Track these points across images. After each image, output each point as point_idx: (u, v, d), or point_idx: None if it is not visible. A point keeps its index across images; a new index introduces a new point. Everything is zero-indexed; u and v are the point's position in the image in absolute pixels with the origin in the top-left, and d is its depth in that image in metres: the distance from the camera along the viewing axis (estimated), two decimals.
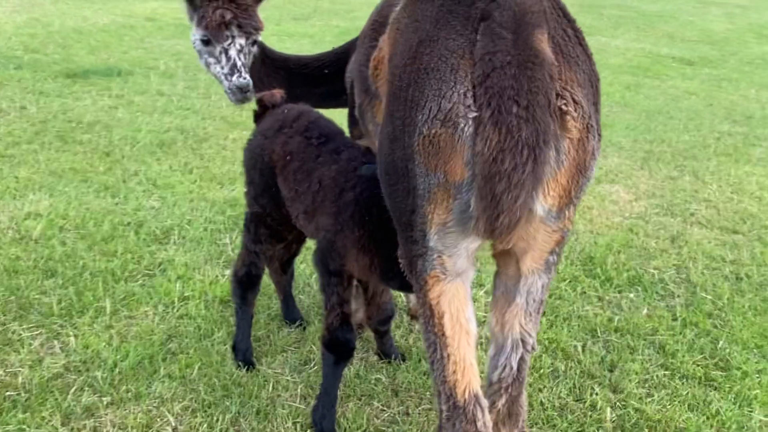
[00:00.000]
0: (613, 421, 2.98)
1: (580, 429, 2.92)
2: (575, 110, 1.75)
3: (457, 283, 1.99)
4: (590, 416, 2.99)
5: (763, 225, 5.15)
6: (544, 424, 2.94)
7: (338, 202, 2.56)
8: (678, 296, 4.07)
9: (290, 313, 3.50)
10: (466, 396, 2.00)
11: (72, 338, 3.28)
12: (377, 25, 2.46)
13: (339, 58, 3.44)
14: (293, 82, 3.50)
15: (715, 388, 3.25)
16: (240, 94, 3.26)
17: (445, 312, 1.98)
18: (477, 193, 1.71)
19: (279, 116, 2.93)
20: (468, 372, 2.01)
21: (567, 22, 1.89)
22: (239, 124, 6.75)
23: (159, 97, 7.49)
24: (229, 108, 7.25)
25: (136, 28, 11.54)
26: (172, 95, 7.59)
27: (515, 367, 2.12)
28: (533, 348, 2.14)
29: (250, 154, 2.97)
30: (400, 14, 2.08)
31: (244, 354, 3.14)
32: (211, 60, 3.30)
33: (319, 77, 3.44)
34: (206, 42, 3.26)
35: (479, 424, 2.00)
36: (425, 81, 1.79)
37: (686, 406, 3.10)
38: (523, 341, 2.12)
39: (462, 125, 1.72)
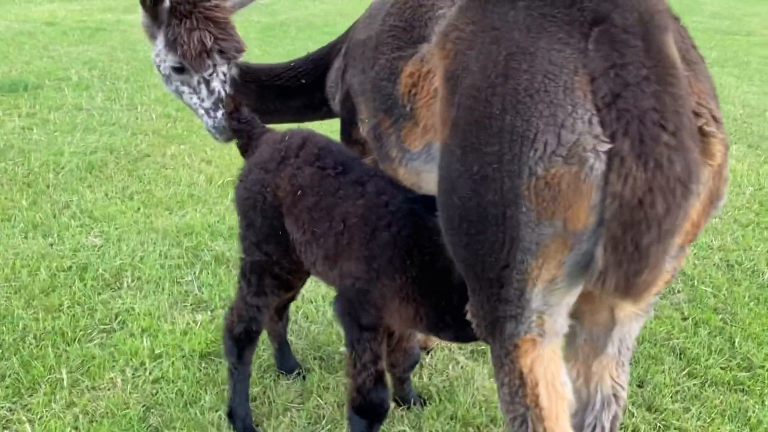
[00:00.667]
0: None
1: None
2: (717, 130, 1.44)
3: (553, 344, 1.65)
4: None
5: (735, 206, 5.13)
6: None
7: (371, 245, 2.16)
8: (678, 291, 3.93)
9: (286, 362, 3.06)
10: None
11: (27, 425, 2.70)
12: (400, 31, 2.06)
13: (317, 65, 3.01)
14: (266, 96, 3.04)
15: (746, 392, 3.11)
16: (228, 133, 2.79)
17: (540, 380, 1.64)
18: (609, 244, 1.37)
19: (280, 145, 2.46)
20: None
21: (675, 19, 1.57)
22: (176, 138, 6.13)
23: (77, 113, 6.71)
24: (161, 120, 6.61)
25: (36, 34, 10.46)
26: (92, 109, 6.82)
27: (608, 427, 1.82)
28: (625, 401, 1.84)
29: (247, 193, 2.47)
30: (458, 21, 1.69)
31: (243, 421, 2.68)
32: (185, 89, 2.80)
33: (295, 88, 3.00)
34: (180, 70, 2.75)
35: None
36: (530, 106, 1.43)
37: (725, 417, 2.93)
38: (615, 396, 1.82)
39: (591, 161, 1.37)
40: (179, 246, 4.20)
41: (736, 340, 3.45)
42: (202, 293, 3.68)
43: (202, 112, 2.84)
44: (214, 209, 4.76)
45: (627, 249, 1.34)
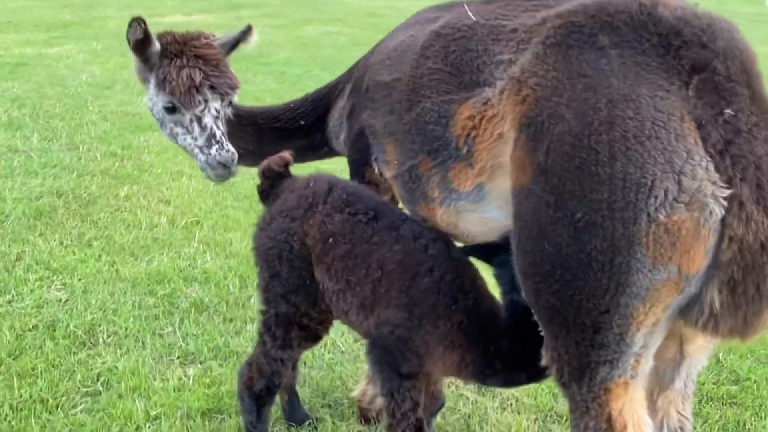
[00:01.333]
0: None
1: None
2: None
3: (641, 384, 1.66)
4: None
5: None
6: None
7: (412, 291, 2.11)
8: None
9: (296, 414, 2.93)
10: None
11: None
12: (446, 75, 2.04)
13: (316, 106, 2.95)
14: (264, 139, 2.95)
15: (739, 405, 3.24)
16: (222, 170, 2.67)
17: (628, 423, 1.64)
18: (726, 287, 1.39)
19: (305, 191, 2.38)
20: None
21: None
22: (127, 178, 5.84)
23: (13, 155, 6.26)
24: (108, 159, 6.29)
25: None
26: (30, 151, 6.39)
27: None
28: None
29: (272, 242, 2.37)
30: (535, 67, 1.71)
31: None
32: (179, 130, 2.68)
33: (294, 130, 2.93)
34: (172, 109, 2.63)
35: None
36: (642, 152, 1.45)
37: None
38: (682, 429, 1.83)
39: (711, 207, 1.41)
40: (153, 295, 3.97)
41: (720, 355, 3.61)
42: (188, 344, 3.49)
43: (196, 151, 2.72)
44: (182, 253, 4.55)
45: (747, 291, 1.37)
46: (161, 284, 4.09)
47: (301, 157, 3.10)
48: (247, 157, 2.90)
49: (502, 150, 1.84)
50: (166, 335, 3.59)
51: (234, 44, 2.94)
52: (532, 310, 1.77)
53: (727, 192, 1.42)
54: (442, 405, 2.72)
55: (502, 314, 2.10)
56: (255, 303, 3.95)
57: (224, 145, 2.64)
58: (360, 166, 2.58)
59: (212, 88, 2.63)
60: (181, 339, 3.54)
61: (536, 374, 2.08)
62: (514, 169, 1.73)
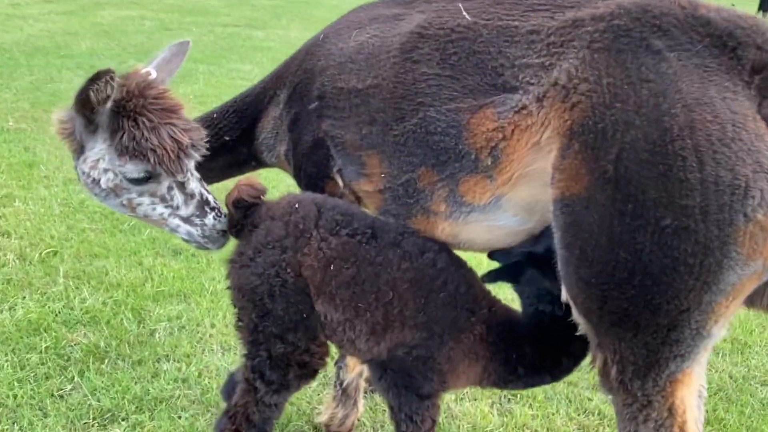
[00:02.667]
0: None
1: None
2: None
3: (700, 369, 1.76)
4: None
5: None
6: None
7: (428, 309, 2.01)
8: None
9: None
10: None
11: None
12: (447, 80, 1.91)
13: (241, 118, 2.65)
14: None
15: None
16: (223, 239, 2.32)
17: (687, 407, 1.72)
18: None
19: (291, 218, 2.12)
20: None
21: None
22: None
23: None
24: None
25: None
26: None
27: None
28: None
29: (260, 279, 2.08)
30: (585, 73, 1.67)
31: None
32: (144, 200, 2.21)
33: (218, 148, 2.59)
34: (143, 180, 2.17)
35: None
36: (730, 155, 1.50)
37: None
38: (700, 397, 1.97)
39: None
40: (33, 350, 3.35)
41: None
42: (100, 401, 3.01)
43: (176, 222, 2.28)
44: (49, 293, 3.88)
45: None
46: (38, 335, 3.46)
47: (225, 175, 2.80)
48: None
49: (534, 159, 1.80)
50: (69, 395, 3.06)
51: (170, 72, 2.46)
52: (589, 317, 1.77)
53: None
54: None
55: (519, 318, 2.09)
56: (162, 338, 3.53)
57: (220, 211, 2.28)
58: (318, 179, 2.38)
59: (194, 147, 2.18)
60: (89, 396, 3.04)
61: (560, 374, 2.12)
62: (563, 179, 1.70)
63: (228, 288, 2.22)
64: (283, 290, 2.08)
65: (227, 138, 2.62)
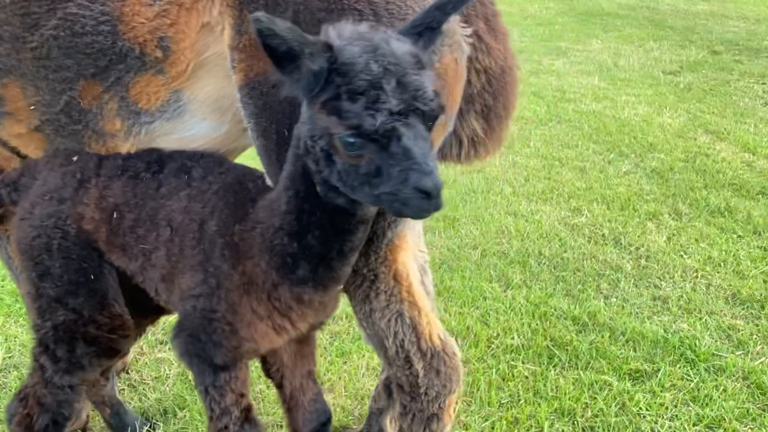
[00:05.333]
0: None
1: None
2: None
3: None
4: None
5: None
6: None
7: (202, 245, 1.70)
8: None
9: (126, 424, 2.49)
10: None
11: None
12: None
13: None
14: None
15: None
16: None
17: (410, 272, 1.75)
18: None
19: (70, 167, 1.83)
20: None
21: None
22: None
23: None
24: None
25: None
26: None
27: None
28: None
29: (37, 231, 1.79)
30: None
31: None
32: None
33: None
34: None
35: None
36: None
37: None
38: (424, 265, 2.06)
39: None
40: None
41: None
42: None
43: None
44: None
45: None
46: None
47: None
48: None
49: (207, 44, 1.59)
50: None
51: None
52: None
53: (470, 30, 1.56)
54: (327, 419, 2.15)
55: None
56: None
57: None
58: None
59: None
60: None
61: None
62: (243, 59, 1.52)
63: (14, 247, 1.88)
64: (63, 244, 1.79)
65: None
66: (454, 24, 1.57)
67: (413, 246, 1.85)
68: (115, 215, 1.79)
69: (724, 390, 2.87)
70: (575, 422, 2.70)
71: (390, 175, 1.30)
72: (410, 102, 1.29)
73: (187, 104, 1.71)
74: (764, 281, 3.72)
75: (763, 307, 3.48)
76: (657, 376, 2.94)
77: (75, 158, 1.85)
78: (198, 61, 1.65)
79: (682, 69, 8.16)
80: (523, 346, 3.15)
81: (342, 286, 1.74)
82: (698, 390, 2.87)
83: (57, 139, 1.78)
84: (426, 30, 1.38)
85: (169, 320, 2.96)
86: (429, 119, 1.31)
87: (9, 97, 1.72)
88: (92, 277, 1.82)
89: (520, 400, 2.81)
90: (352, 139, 1.30)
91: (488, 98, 1.69)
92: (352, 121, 1.29)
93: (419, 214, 1.31)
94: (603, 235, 4.24)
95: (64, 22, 1.62)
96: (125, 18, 1.60)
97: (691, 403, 2.80)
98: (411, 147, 1.27)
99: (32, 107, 1.71)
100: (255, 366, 2.21)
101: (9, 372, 2.90)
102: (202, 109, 1.73)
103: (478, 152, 1.75)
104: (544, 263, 3.91)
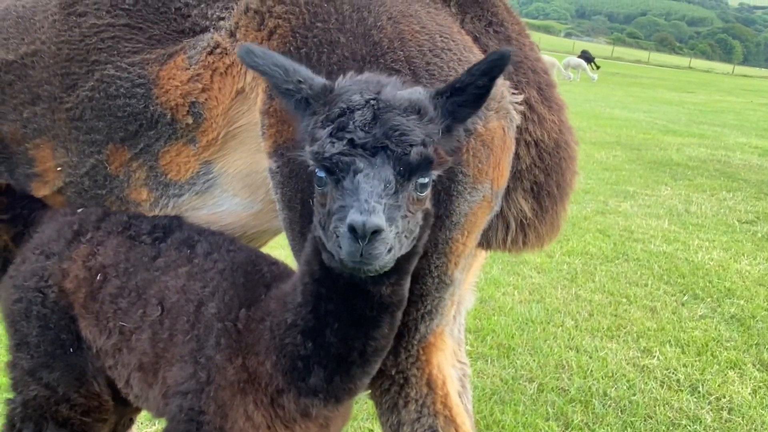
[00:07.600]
0: None
1: None
2: None
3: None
4: None
5: None
6: None
7: (197, 330, 1.47)
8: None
9: None
10: None
11: None
12: (128, 31, 1.53)
13: None
14: None
15: None
16: None
17: (447, 380, 1.54)
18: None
19: (68, 219, 1.67)
20: None
21: None
22: None
23: None
24: None
25: None
26: None
27: None
28: None
29: (18, 292, 1.58)
30: None
31: None
32: None
33: None
34: None
35: None
36: (442, 66, 1.47)
37: None
38: (464, 376, 1.80)
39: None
40: None
41: None
42: None
43: None
44: None
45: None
46: None
47: None
48: None
49: (241, 111, 1.53)
50: None
51: None
52: None
53: (521, 97, 1.45)
54: None
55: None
56: None
57: None
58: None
59: None
60: None
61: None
62: (273, 124, 1.45)
63: None
64: (41, 311, 1.57)
65: None
66: (502, 88, 1.46)
67: (451, 349, 1.60)
68: (98, 277, 1.59)
69: None
70: None
71: (332, 213, 1.13)
72: (380, 139, 1.13)
73: (217, 177, 1.62)
74: None
75: None
76: None
77: (80, 210, 1.72)
78: (230, 131, 1.58)
79: (759, 219, 7.79)
80: None
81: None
82: None
83: (78, 201, 1.71)
84: (459, 90, 1.25)
85: None
86: (404, 165, 1.13)
87: (39, 158, 1.69)
88: (70, 350, 1.61)
89: None
90: (320, 174, 1.17)
91: (539, 174, 1.51)
92: (314, 147, 1.16)
93: (352, 266, 1.11)
94: (678, 380, 3.79)
95: (100, 83, 1.60)
96: (161, 81, 1.56)
97: None
98: (362, 184, 1.09)
99: (59, 169, 1.67)
100: None
101: None
102: (233, 183, 1.63)
103: (528, 238, 1.55)
104: (610, 405, 3.48)
